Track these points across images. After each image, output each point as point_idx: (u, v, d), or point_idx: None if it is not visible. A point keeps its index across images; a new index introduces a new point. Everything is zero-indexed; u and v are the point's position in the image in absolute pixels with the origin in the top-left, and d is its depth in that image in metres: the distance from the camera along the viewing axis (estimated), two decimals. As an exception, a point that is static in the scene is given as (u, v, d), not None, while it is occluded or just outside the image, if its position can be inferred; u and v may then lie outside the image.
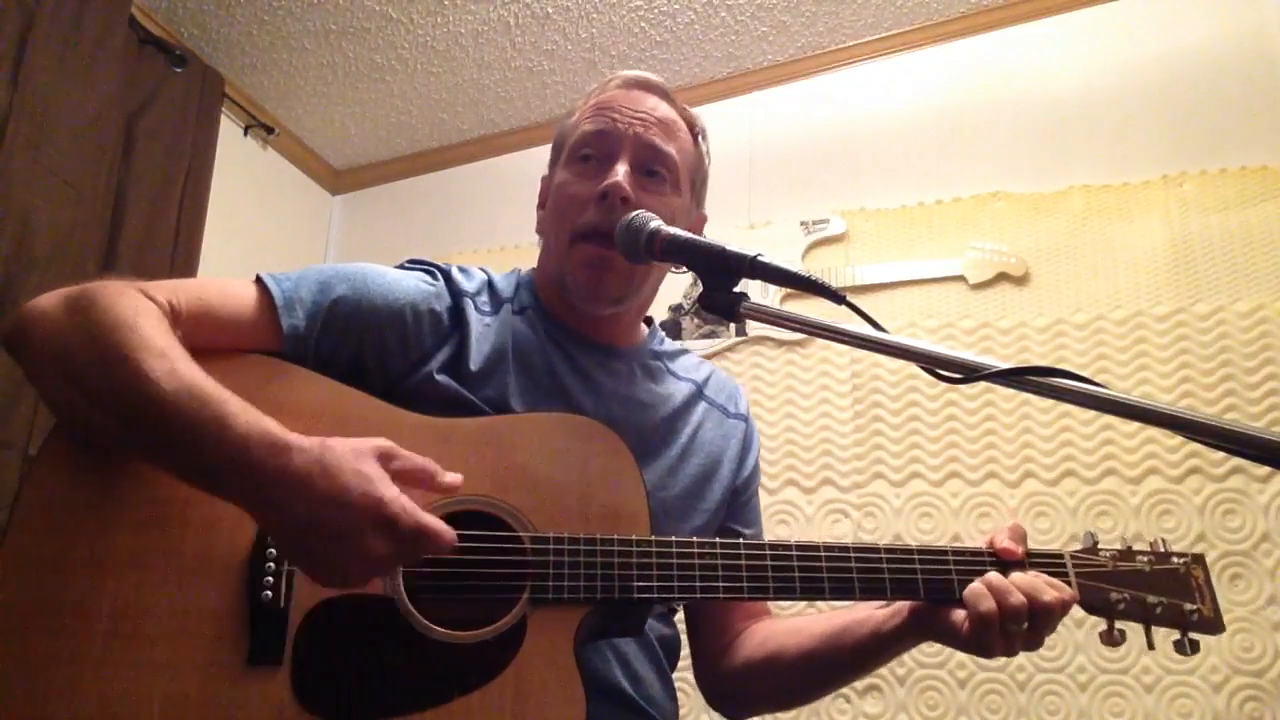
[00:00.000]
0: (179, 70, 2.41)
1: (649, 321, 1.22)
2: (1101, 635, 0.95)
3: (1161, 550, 0.98)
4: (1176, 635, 0.94)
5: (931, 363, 0.77)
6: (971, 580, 0.93)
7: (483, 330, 1.05)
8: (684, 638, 1.18)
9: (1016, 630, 0.90)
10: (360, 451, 0.80)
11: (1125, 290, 2.12)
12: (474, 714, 0.85)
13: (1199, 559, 0.97)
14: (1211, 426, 0.62)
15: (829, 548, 0.95)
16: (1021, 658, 1.96)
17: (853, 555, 0.96)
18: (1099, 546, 0.99)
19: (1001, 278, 2.23)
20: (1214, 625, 0.94)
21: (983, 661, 1.98)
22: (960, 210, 2.33)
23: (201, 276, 0.99)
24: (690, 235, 0.94)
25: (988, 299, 2.23)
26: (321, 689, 0.83)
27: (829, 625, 1.07)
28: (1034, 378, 0.69)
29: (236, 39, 2.54)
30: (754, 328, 2.39)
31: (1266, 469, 1.80)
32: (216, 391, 0.80)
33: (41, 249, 1.96)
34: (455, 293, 1.06)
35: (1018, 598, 0.90)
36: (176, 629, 0.83)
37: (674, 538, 0.94)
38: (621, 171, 1.05)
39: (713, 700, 1.18)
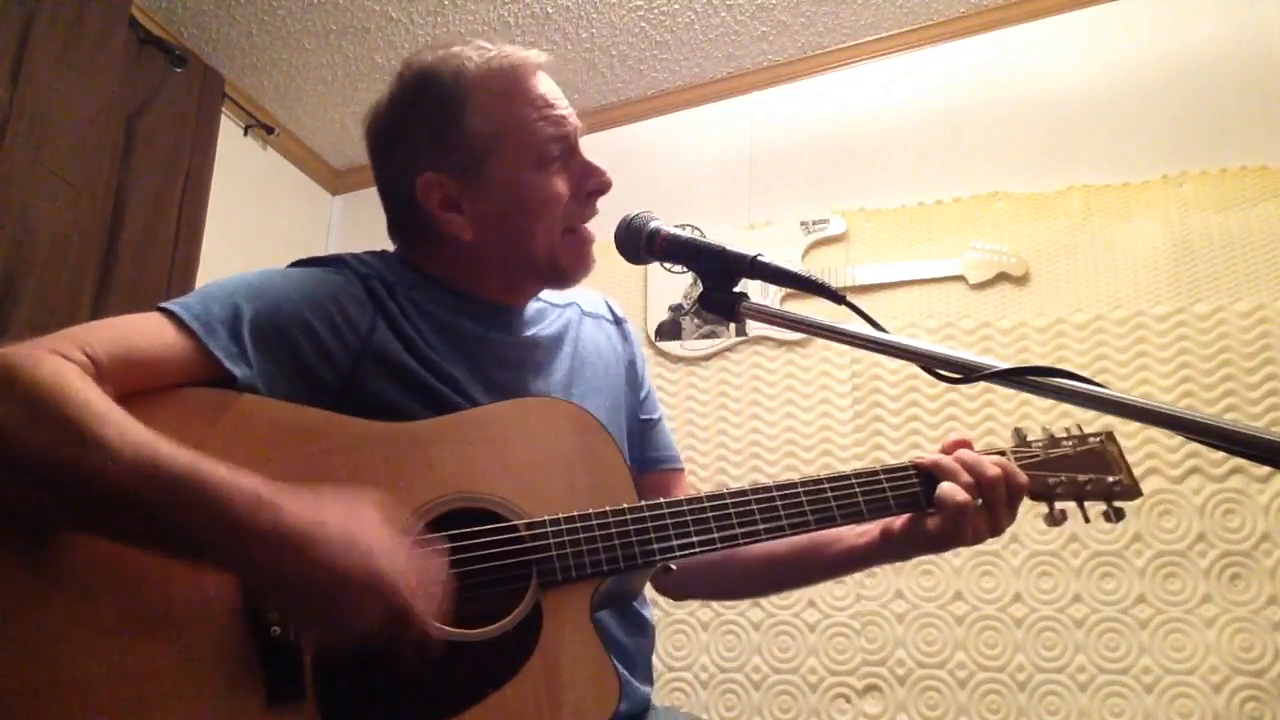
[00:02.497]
0: (179, 70, 2.41)
1: None
2: (1045, 518, 1.04)
3: (1079, 433, 1.08)
4: (1103, 506, 1.04)
5: (931, 363, 0.77)
6: (930, 489, 1.01)
7: (396, 307, 1.03)
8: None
9: (981, 519, 0.99)
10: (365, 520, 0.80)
11: (1125, 290, 2.12)
12: (511, 705, 0.84)
13: (1110, 436, 1.08)
14: (1211, 426, 0.62)
15: (805, 483, 1.00)
16: (1021, 657, 1.96)
17: (827, 485, 1.00)
18: (1029, 440, 1.09)
19: (1001, 278, 2.23)
20: (1134, 491, 1.05)
21: (983, 661, 1.99)
22: (960, 210, 2.33)
23: (107, 319, 0.92)
24: (690, 236, 0.96)
25: (988, 299, 2.23)
26: (352, 715, 0.81)
27: (796, 540, 1.09)
28: (1034, 378, 0.70)
29: (236, 39, 2.54)
30: (754, 328, 2.39)
31: (1266, 469, 1.80)
32: (175, 451, 0.77)
33: (41, 249, 1.96)
34: (361, 275, 1.04)
35: (965, 478, 0.99)
36: (184, 686, 0.78)
37: (663, 499, 0.96)
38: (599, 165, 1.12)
39: (657, 587, 1.22)
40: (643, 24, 2.53)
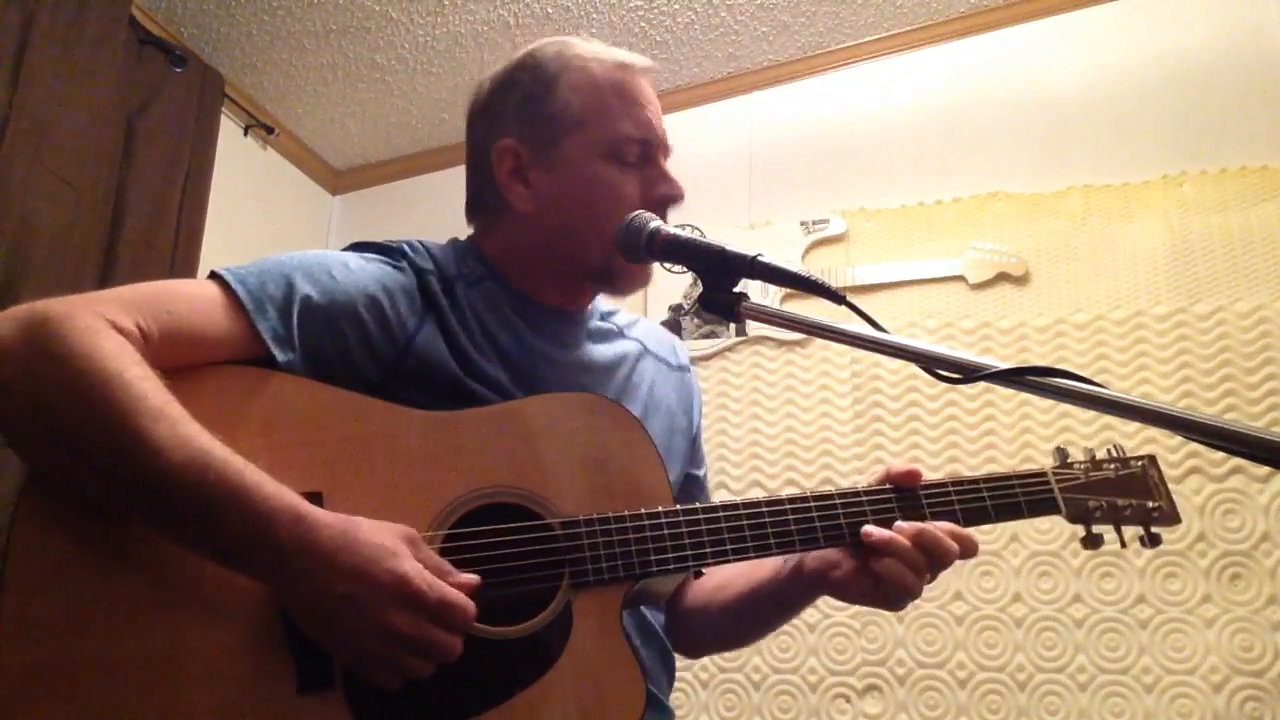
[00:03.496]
0: (179, 70, 2.41)
1: None
2: (1082, 540, 1.03)
3: (1122, 456, 1.05)
4: (1140, 532, 1.02)
5: (931, 363, 0.77)
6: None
7: (449, 306, 1.03)
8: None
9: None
10: (385, 530, 0.81)
11: (1125, 290, 2.12)
12: (537, 707, 0.84)
13: (1153, 460, 1.05)
14: (1211, 426, 0.62)
15: (842, 494, 0.99)
16: (1021, 657, 1.96)
17: (864, 499, 0.99)
18: (1070, 461, 1.05)
19: (1001, 278, 2.23)
20: (1172, 517, 1.02)
21: (983, 661, 1.98)
22: (960, 210, 2.32)
23: (160, 283, 0.89)
24: (690, 236, 0.95)
25: (988, 299, 2.23)
26: (380, 707, 0.81)
27: (747, 584, 1.10)
28: (1034, 378, 0.69)
29: (236, 39, 2.54)
30: (754, 328, 2.39)
31: (1266, 469, 1.79)
32: (227, 458, 0.77)
33: (41, 249, 1.96)
34: (418, 270, 1.04)
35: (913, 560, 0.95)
36: (215, 670, 0.78)
37: (698, 504, 0.96)
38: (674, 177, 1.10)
39: (676, 645, 1.22)
40: (643, 24, 2.53)
